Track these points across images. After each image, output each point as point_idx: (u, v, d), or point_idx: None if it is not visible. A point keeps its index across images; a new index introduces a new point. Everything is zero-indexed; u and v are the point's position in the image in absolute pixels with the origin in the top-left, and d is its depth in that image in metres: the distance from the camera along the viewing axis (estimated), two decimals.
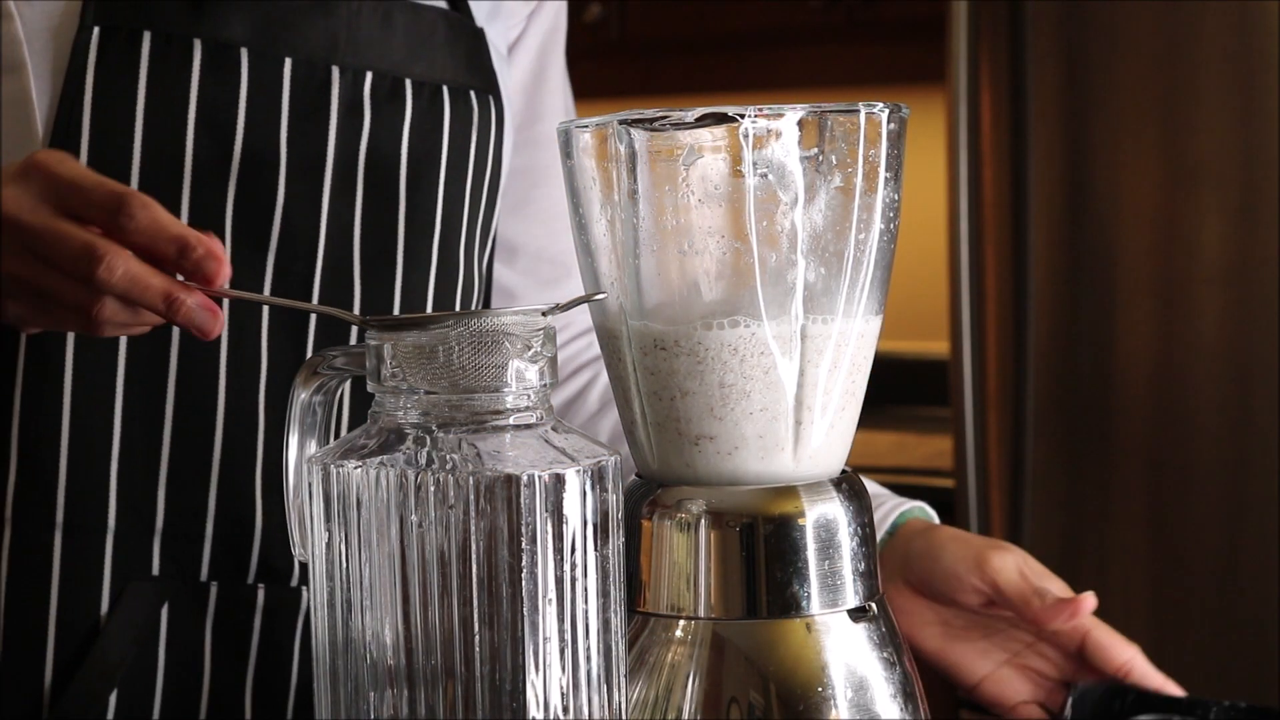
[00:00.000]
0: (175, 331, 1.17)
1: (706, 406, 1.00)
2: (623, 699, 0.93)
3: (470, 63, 1.30)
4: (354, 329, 1.23)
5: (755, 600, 1.00)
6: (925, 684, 1.06)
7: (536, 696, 0.89)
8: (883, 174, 1.00)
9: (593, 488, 0.90)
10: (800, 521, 1.01)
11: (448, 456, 0.89)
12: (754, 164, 0.97)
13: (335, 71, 1.21)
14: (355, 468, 0.89)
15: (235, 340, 1.19)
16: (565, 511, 0.89)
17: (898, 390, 3.39)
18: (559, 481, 0.89)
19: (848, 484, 1.04)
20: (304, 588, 1.23)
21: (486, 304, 1.37)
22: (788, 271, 0.98)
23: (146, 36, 1.15)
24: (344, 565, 0.90)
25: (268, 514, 1.21)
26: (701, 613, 1.00)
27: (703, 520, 1.01)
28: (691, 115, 0.97)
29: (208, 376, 1.18)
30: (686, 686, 1.00)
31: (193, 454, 1.18)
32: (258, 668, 1.22)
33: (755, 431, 1.01)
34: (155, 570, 1.18)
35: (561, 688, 0.90)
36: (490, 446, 0.90)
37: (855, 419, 1.06)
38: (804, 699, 0.99)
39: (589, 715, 0.91)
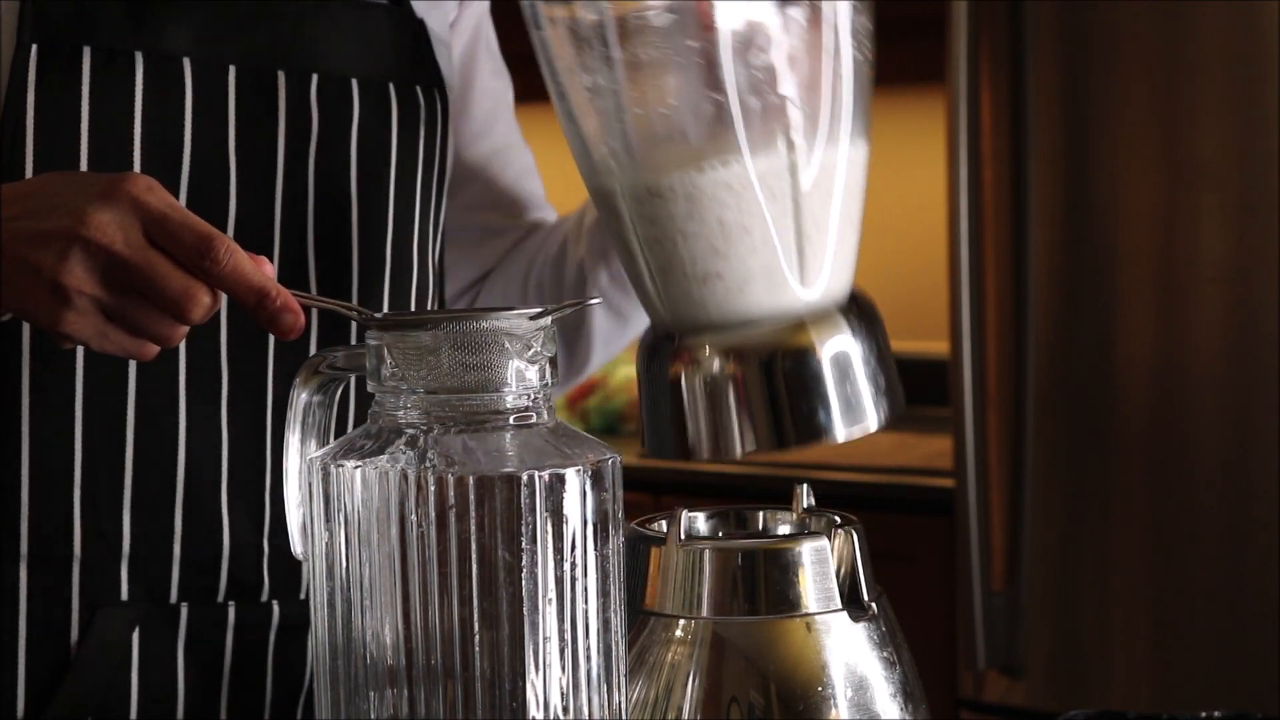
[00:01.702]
0: None
1: (710, 246, 1.02)
2: (623, 699, 0.94)
3: (415, 57, 1.30)
4: (313, 343, 1.23)
5: (782, 429, 1.03)
6: (925, 684, 1.06)
7: (536, 696, 0.89)
8: (850, 12, 1.01)
9: (593, 488, 0.90)
10: (816, 355, 1.04)
11: (448, 456, 0.89)
12: (724, 15, 0.99)
13: (281, 76, 1.20)
14: (355, 468, 0.89)
15: (194, 360, 1.18)
16: (565, 511, 0.89)
17: None
18: (559, 481, 0.89)
19: (857, 306, 1.06)
20: (274, 602, 1.23)
21: (440, 300, 1.36)
22: (769, 111, 1.00)
23: (87, 52, 1.13)
24: (344, 565, 0.90)
25: (235, 531, 1.20)
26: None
27: (717, 360, 1.03)
28: None
29: (168, 398, 1.17)
30: (686, 686, 1.00)
31: (157, 477, 1.17)
32: (232, 685, 1.21)
33: (761, 265, 1.03)
34: (124, 595, 1.17)
35: (561, 687, 0.90)
36: (490, 446, 0.90)
37: (855, 246, 1.08)
38: (804, 699, 0.99)
39: (589, 715, 0.91)
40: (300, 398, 0.98)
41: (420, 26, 1.31)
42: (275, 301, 0.94)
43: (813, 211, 1.03)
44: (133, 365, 1.16)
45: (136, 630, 1.17)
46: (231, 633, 1.21)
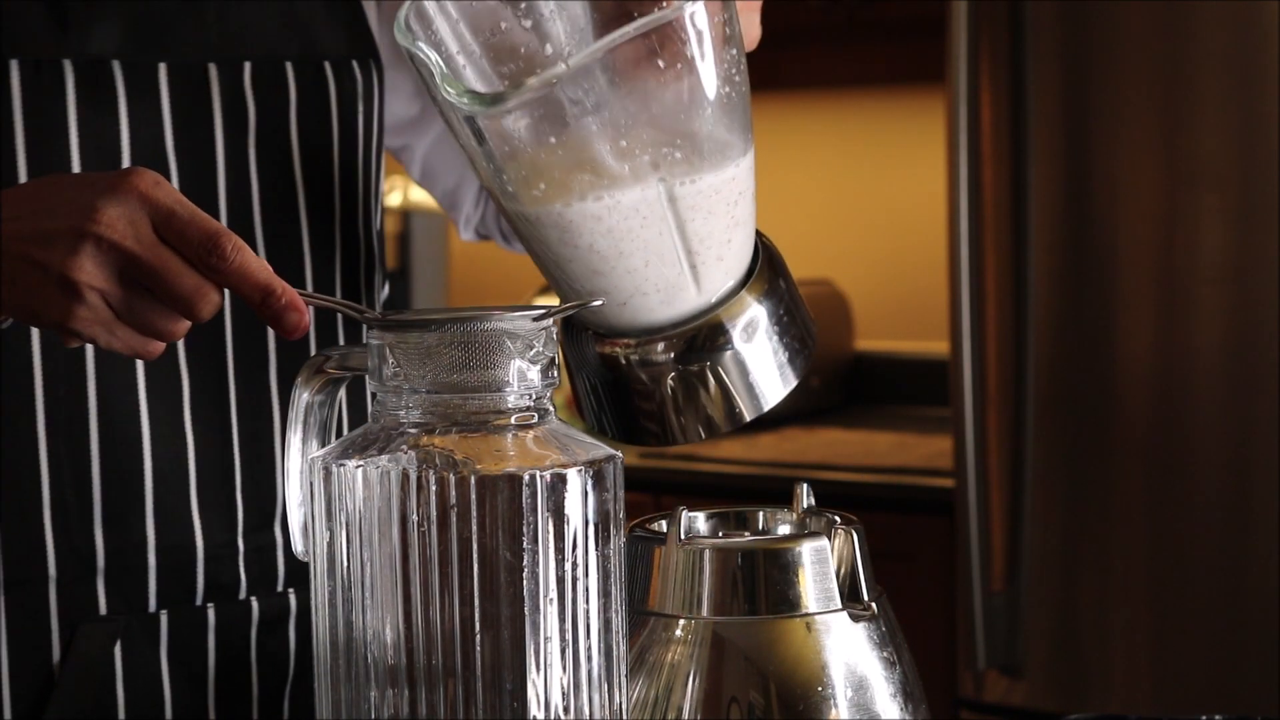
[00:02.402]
0: (90, 368, 1.15)
1: (587, 268, 1.02)
2: (623, 699, 0.94)
3: (349, 30, 1.28)
4: (271, 347, 1.21)
5: (706, 419, 1.07)
6: (925, 684, 1.06)
7: (537, 696, 0.89)
8: (710, 50, 0.99)
9: (594, 487, 0.90)
10: (726, 346, 1.07)
11: (449, 456, 0.89)
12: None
13: (212, 69, 1.19)
14: (356, 467, 0.90)
15: (152, 367, 1.17)
16: (566, 511, 0.89)
17: (898, 390, 3.39)
18: (560, 481, 0.89)
19: (761, 264, 1.08)
20: (252, 598, 1.22)
21: (384, 269, 1.34)
22: (644, 166, 1.00)
23: (15, 66, 1.12)
24: (345, 565, 0.90)
25: (208, 533, 1.20)
26: None
27: (634, 357, 1.07)
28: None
29: (129, 408, 1.17)
30: (686, 686, 1.00)
31: (125, 489, 1.17)
32: (218, 686, 1.21)
33: (648, 282, 1.03)
34: (103, 610, 1.17)
35: (562, 687, 0.90)
36: (491, 446, 0.90)
37: (749, 236, 1.08)
38: (804, 699, 0.99)
39: (590, 715, 0.91)
40: (301, 398, 0.98)
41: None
42: (280, 300, 0.93)
43: (697, 230, 1.02)
44: (91, 379, 1.15)
45: (118, 643, 1.17)
46: (213, 634, 1.21)
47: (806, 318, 1.12)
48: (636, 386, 1.07)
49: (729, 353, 1.06)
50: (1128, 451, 2.41)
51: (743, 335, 1.07)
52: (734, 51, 1.01)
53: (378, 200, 1.32)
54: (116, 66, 1.15)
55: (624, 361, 1.07)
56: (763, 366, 1.08)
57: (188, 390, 1.18)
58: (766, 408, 1.09)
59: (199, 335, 1.18)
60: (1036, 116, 2.44)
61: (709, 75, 0.99)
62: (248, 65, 1.21)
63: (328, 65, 1.25)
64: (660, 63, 0.97)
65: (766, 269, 1.09)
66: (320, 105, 1.24)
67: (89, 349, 1.15)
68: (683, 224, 1.02)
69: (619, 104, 0.98)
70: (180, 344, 1.18)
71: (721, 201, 1.03)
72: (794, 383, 1.10)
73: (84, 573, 1.16)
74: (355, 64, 1.27)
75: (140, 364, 1.17)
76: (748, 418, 1.08)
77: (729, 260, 1.05)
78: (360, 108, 1.27)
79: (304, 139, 1.23)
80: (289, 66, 1.23)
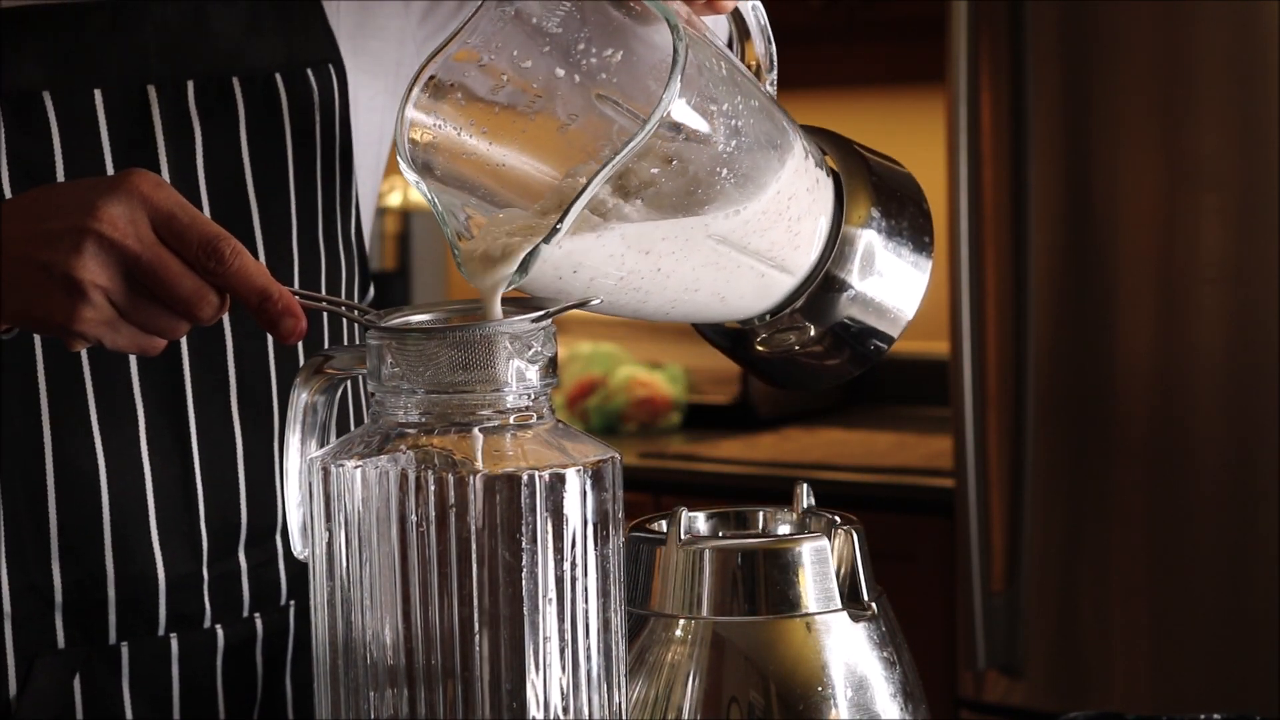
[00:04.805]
0: (44, 403, 1.13)
1: (659, 307, 1.02)
2: (623, 699, 0.94)
3: (305, 36, 1.22)
4: (230, 370, 1.18)
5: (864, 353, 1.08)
6: (925, 684, 1.06)
7: (536, 696, 0.89)
8: (703, 125, 0.96)
9: (593, 487, 0.90)
10: (849, 291, 1.07)
11: (448, 456, 0.89)
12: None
13: (151, 91, 1.15)
14: (355, 468, 0.90)
15: (104, 398, 1.15)
16: (565, 511, 0.89)
17: (898, 390, 3.39)
18: (559, 481, 0.89)
19: (855, 219, 1.07)
20: (217, 626, 1.19)
21: (363, 270, 1.29)
22: (678, 234, 0.98)
23: None
24: (344, 565, 0.90)
25: (169, 564, 1.17)
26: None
27: (776, 337, 1.08)
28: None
29: (84, 441, 1.14)
30: (686, 686, 1.00)
31: (82, 523, 1.15)
32: (183, 713, 1.18)
33: (733, 293, 1.02)
34: (61, 643, 1.15)
35: (561, 687, 0.90)
36: (490, 446, 0.90)
37: (822, 213, 1.05)
38: (804, 699, 0.99)
39: (589, 715, 0.91)
40: (300, 398, 0.98)
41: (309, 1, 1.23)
42: (277, 305, 0.93)
43: (759, 246, 1.00)
44: (45, 413, 1.13)
45: (77, 676, 1.15)
46: (177, 664, 1.18)
47: (910, 195, 1.10)
48: (784, 354, 1.07)
49: (852, 292, 1.06)
50: (1128, 451, 2.41)
51: (861, 271, 1.06)
52: (725, 105, 0.97)
53: (349, 207, 1.27)
54: (47, 97, 1.12)
55: (760, 339, 1.06)
56: (893, 277, 1.08)
57: (143, 420, 1.16)
58: (915, 311, 1.10)
59: (153, 364, 1.15)
60: (1036, 116, 2.44)
61: (712, 146, 0.97)
62: (190, 84, 1.16)
63: (279, 77, 1.19)
64: (654, 171, 0.96)
65: (859, 192, 1.06)
66: (273, 119, 1.19)
67: (40, 382, 1.13)
68: (743, 247, 1.00)
69: (620, 229, 0.96)
70: (134, 372, 1.15)
71: (772, 216, 1.00)
72: (929, 264, 1.11)
73: (41, 607, 1.15)
74: (310, 72, 1.21)
75: (91, 398, 1.14)
76: (905, 323, 1.10)
77: (804, 244, 1.03)
78: (318, 116, 1.22)
79: (256, 155, 1.19)
80: (236, 82, 1.18)
